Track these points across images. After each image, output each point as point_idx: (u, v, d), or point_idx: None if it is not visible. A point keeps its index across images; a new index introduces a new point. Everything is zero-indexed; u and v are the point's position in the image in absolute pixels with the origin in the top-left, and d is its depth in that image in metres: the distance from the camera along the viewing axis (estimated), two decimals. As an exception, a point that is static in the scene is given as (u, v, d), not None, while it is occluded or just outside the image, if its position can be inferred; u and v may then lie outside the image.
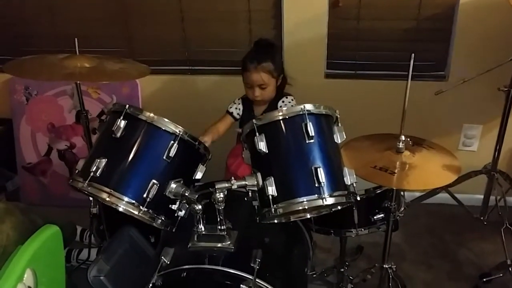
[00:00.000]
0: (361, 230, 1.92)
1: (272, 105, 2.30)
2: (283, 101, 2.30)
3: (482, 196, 2.52)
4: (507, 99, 2.21)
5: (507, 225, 2.29)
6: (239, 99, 2.37)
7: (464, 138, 2.75)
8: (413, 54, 1.55)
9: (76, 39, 1.86)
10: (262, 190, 1.51)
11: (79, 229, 2.56)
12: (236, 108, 2.35)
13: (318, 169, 1.46)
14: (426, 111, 2.61)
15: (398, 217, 1.90)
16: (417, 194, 2.69)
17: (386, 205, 1.83)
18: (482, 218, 2.50)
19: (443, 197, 2.58)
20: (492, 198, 2.43)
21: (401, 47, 2.61)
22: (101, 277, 1.74)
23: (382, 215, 1.89)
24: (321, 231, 1.98)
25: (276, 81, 2.25)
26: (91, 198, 1.99)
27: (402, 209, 1.95)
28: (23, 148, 2.95)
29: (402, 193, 2.00)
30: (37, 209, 2.55)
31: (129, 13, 2.73)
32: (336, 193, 1.49)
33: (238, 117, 2.34)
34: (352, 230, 1.92)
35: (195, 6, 2.67)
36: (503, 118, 2.27)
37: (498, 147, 2.35)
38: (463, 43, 2.52)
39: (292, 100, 2.32)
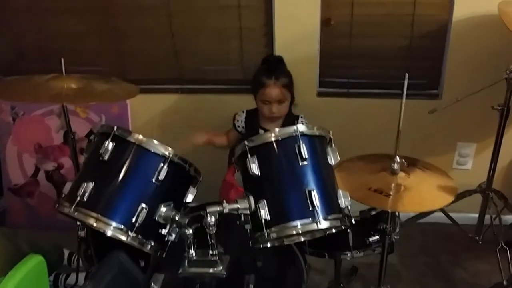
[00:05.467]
0: (356, 253, 1.88)
1: (287, 123, 2.26)
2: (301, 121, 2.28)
3: (477, 215, 2.49)
4: (501, 118, 2.20)
5: (503, 244, 2.26)
6: (243, 111, 2.34)
7: (458, 156, 2.73)
8: (407, 74, 1.53)
9: (62, 59, 1.81)
10: (255, 214, 1.46)
11: (66, 253, 2.49)
12: (237, 120, 2.33)
13: (312, 192, 1.42)
14: (420, 130, 2.59)
15: (393, 239, 1.86)
16: (412, 213, 2.65)
17: (381, 227, 1.79)
18: (477, 237, 2.47)
19: (437, 216, 2.54)
20: (487, 217, 2.41)
21: (393, 65, 2.59)
22: (89, 304, 1.68)
23: (378, 237, 1.85)
24: (315, 253, 1.94)
25: (291, 96, 2.22)
26: (78, 222, 1.94)
27: (398, 230, 1.91)
28: (9, 169, 2.88)
29: (397, 214, 1.96)
30: (23, 233, 2.49)
31: (119, 31, 2.69)
32: (330, 217, 1.45)
33: (239, 129, 2.30)
34: (347, 252, 1.88)
35: (185, 24, 2.64)
36: (497, 136, 2.25)
37: (492, 166, 2.32)
38: (456, 61, 2.51)
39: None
